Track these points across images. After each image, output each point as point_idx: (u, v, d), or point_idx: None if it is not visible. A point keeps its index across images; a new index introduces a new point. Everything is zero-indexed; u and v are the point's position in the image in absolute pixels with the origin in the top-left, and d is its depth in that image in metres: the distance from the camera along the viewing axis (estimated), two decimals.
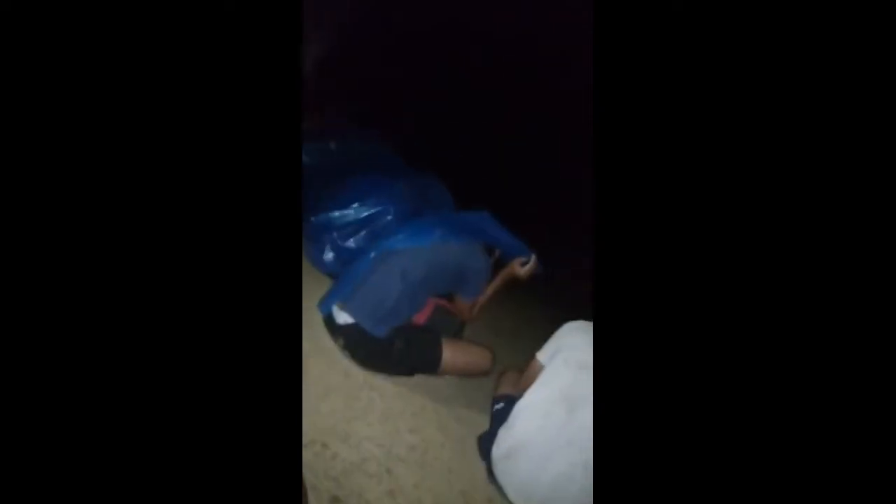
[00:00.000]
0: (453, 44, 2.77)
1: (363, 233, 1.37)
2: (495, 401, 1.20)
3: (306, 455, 0.96)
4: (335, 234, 1.38)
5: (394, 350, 1.20)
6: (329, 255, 1.37)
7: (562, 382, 1.08)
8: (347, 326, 1.19)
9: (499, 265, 1.34)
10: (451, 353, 1.24)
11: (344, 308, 1.20)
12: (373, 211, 1.38)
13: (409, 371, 1.24)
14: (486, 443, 1.12)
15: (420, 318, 1.29)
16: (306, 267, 1.41)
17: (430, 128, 2.77)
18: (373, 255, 1.25)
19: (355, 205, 1.38)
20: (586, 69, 0.64)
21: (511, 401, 1.14)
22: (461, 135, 2.88)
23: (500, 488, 1.07)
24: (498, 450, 1.07)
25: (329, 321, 1.22)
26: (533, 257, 1.31)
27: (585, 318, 1.17)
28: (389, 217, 1.37)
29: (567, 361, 1.10)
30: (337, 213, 1.38)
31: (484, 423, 1.19)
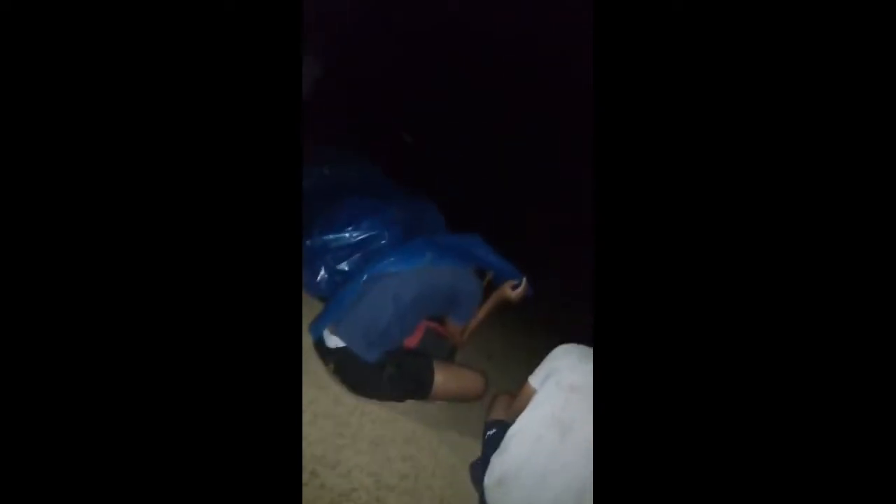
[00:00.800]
0: (453, 44, 2.75)
1: (356, 256, 1.37)
2: (487, 426, 1.20)
3: None
4: (329, 258, 1.37)
5: (385, 375, 1.20)
6: (322, 279, 1.37)
7: (554, 406, 1.07)
8: (338, 350, 1.19)
9: (490, 288, 1.33)
10: (442, 378, 1.24)
11: (335, 332, 1.19)
12: (366, 235, 1.38)
13: (401, 396, 1.24)
14: (478, 470, 1.11)
15: (411, 341, 1.29)
16: None
17: (429, 128, 2.74)
18: (364, 278, 1.24)
19: (349, 228, 1.37)
20: (586, 69, 0.63)
21: (503, 426, 1.13)
22: (461, 135, 2.86)
23: None
24: (490, 477, 1.07)
25: (320, 345, 1.22)
26: (524, 280, 1.30)
27: (578, 342, 1.16)
28: (383, 241, 1.37)
29: (559, 384, 1.09)
30: (331, 237, 1.38)
31: (476, 450, 1.18)
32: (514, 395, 1.21)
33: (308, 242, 1.37)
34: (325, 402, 1.16)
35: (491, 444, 1.13)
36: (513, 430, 1.08)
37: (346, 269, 1.35)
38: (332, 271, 1.36)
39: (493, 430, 1.17)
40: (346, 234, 1.37)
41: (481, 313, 1.31)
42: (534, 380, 1.15)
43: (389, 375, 1.20)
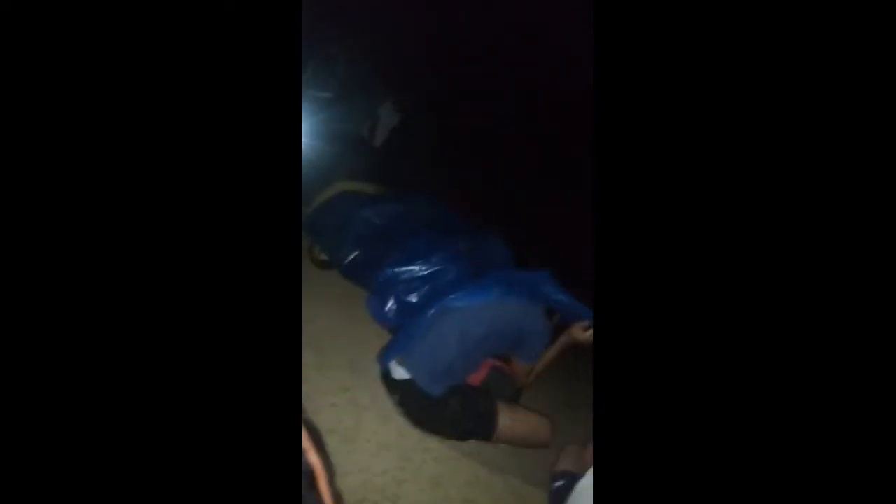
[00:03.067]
0: (452, 44, 2.77)
1: (425, 289, 1.40)
2: (555, 477, 1.12)
3: None
4: (399, 289, 1.43)
5: (448, 410, 1.18)
6: (391, 310, 1.42)
7: None
8: (404, 382, 1.20)
9: (560, 329, 1.29)
10: (507, 419, 1.19)
11: (401, 363, 1.21)
12: (435, 269, 1.42)
13: (463, 434, 1.21)
14: None
15: (475, 378, 1.26)
16: (368, 320, 1.46)
17: (428, 130, 2.72)
18: (431, 311, 1.26)
19: (419, 262, 1.42)
20: (586, 69, 0.63)
21: (572, 479, 1.05)
22: (460, 136, 2.84)
23: None
24: None
25: (386, 376, 1.24)
26: None
27: None
28: (451, 275, 1.40)
29: None
30: (401, 269, 1.43)
31: (541, 501, 1.11)
32: (585, 447, 1.13)
33: (379, 274, 1.43)
34: (388, 435, 1.16)
35: (558, 497, 1.05)
36: (583, 485, 1.00)
37: (415, 301, 1.39)
38: (400, 303, 1.40)
39: (561, 483, 1.09)
40: (416, 267, 1.42)
41: (549, 354, 1.27)
42: None
43: (453, 412, 1.18)
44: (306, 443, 0.66)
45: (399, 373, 1.21)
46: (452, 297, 1.25)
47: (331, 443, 1.06)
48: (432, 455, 1.16)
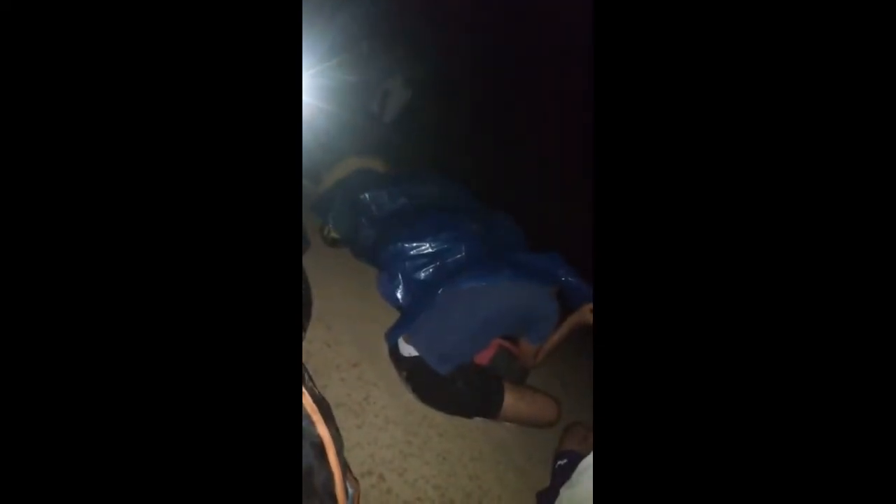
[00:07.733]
0: (452, 44, 2.73)
1: (433, 267, 1.40)
2: (558, 456, 1.14)
3: (363, 485, 0.98)
4: (407, 265, 1.43)
5: (455, 388, 1.20)
6: (399, 286, 1.42)
7: None
8: (411, 359, 1.22)
9: (568, 311, 1.29)
10: (513, 399, 1.21)
11: (409, 341, 1.23)
12: (445, 246, 1.41)
13: (469, 412, 1.23)
14: (545, 501, 1.05)
15: (482, 358, 1.27)
16: (378, 298, 1.47)
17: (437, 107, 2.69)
18: (441, 290, 1.27)
19: (428, 239, 1.42)
20: (586, 69, 0.62)
21: (576, 458, 1.07)
22: (461, 135, 2.81)
23: None
24: None
25: (394, 352, 1.26)
26: None
27: None
28: (461, 254, 1.39)
29: None
30: (410, 246, 1.43)
31: (544, 478, 1.13)
32: (590, 427, 1.14)
33: (390, 247, 1.43)
34: (396, 409, 1.19)
35: (561, 475, 1.07)
36: (585, 464, 1.02)
37: (422, 277, 1.39)
38: (408, 279, 1.40)
39: (565, 461, 1.11)
40: (425, 244, 1.41)
41: (557, 336, 1.27)
42: None
43: (459, 390, 1.20)
44: (316, 415, 0.67)
45: (407, 350, 1.22)
46: (462, 276, 1.26)
47: (339, 416, 1.09)
48: (438, 431, 1.18)
